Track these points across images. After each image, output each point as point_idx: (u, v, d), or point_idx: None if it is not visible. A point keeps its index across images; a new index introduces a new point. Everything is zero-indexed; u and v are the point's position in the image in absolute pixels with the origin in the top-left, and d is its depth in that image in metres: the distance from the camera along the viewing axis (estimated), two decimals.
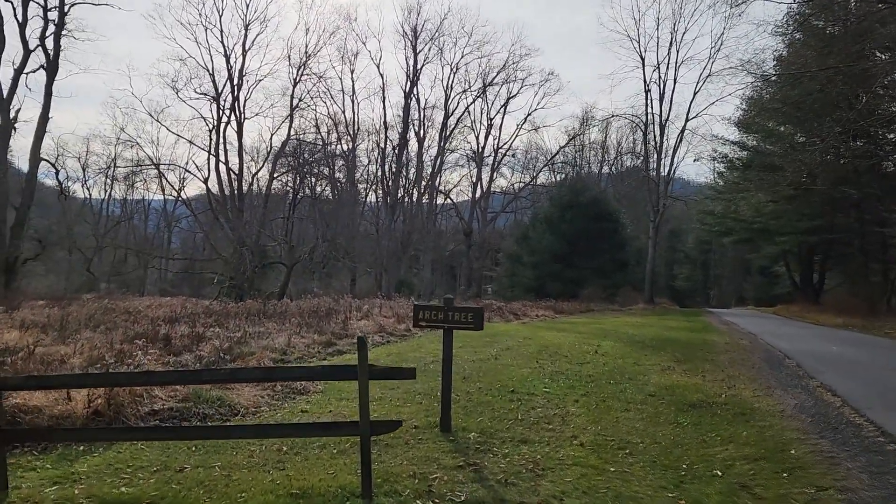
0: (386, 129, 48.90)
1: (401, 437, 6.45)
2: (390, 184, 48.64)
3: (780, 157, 32.67)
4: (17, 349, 13.67)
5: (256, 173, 37.36)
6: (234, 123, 35.81)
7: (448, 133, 56.93)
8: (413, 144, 53.32)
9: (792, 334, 21.28)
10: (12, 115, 31.47)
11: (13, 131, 31.63)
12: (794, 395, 9.48)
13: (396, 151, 48.63)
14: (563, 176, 66.81)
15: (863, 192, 31.39)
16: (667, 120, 51.28)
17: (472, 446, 6.22)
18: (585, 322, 25.01)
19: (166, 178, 44.91)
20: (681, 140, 52.02)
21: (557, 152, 68.96)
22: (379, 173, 51.50)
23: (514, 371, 10.88)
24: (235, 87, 36.12)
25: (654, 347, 14.77)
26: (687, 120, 50.57)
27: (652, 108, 51.36)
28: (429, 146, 56.58)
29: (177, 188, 51.93)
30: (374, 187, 55.63)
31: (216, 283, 30.38)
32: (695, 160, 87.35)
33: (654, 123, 51.86)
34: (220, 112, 35.93)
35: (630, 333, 18.64)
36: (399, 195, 48.87)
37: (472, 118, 76.68)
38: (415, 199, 55.88)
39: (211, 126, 35.79)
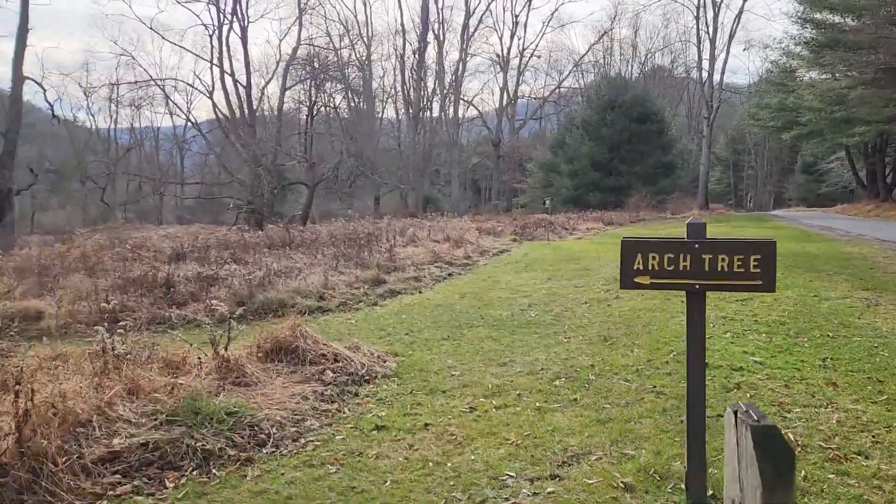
0: (403, 31, 44.29)
1: None
2: (411, 92, 44.37)
3: (868, 33, 28.09)
4: None
5: (266, 84, 33.46)
6: (237, 28, 31.71)
7: (469, 35, 51.92)
8: (431, 52, 48.54)
9: None
10: None
11: None
12: None
13: (417, 57, 44.08)
14: (593, 77, 61.91)
15: None
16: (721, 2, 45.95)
17: None
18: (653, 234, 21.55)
19: (172, 100, 41.17)
20: (738, 24, 46.86)
21: (588, 51, 63.81)
22: (398, 83, 47.18)
23: (674, 322, 7.36)
24: None
25: (804, 268, 11.11)
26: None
27: None
28: (448, 51, 51.69)
29: (184, 109, 48.23)
30: (391, 99, 51.37)
31: (232, 207, 27.16)
32: (744, 49, 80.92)
33: (704, 6, 46.60)
34: (221, 15, 31.70)
35: None
36: (420, 106, 44.65)
37: (495, 18, 71.15)
38: (436, 111, 51.64)
39: (211, 31, 31.66)
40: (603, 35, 62.79)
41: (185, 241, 18.47)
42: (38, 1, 34.07)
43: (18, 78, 27.96)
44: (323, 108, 40.08)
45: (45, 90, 32.76)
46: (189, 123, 53.41)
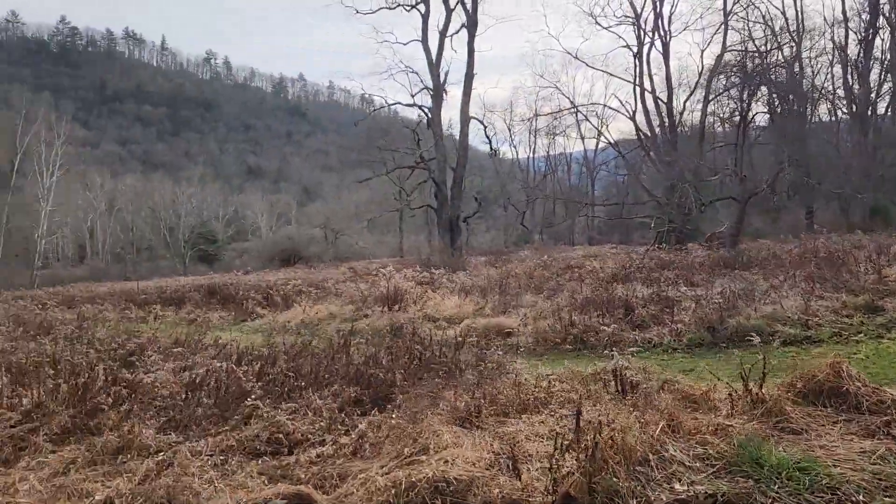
0: (846, 21, 38.72)
1: None
2: (854, 89, 38.50)
3: None
4: (457, 319, 11.90)
5: (687, 98, 32.34)
6: (658, 44, 31.44)
7: None
8: (877, 41, 41.30)
9: None
10: (442, 78, 32.46)
11: (444, 94, 32.68)
12: None
13: (862, 48, 38.13)
14: None
15: None
16: None
17: None
18: None
19: (588, 121, 42.76)
20: None
21: None
22: (835, 80, 41.40)
23: None
24: (657, 2, 31.50)
25: None
26: None
27: None
28: None
29: (596, 133, 49.98)
30: (824, 99, 45.25)
31: (653, 227, 26.71)
32: None
33: None
34: (642, 34, 31.78)
35: None
36: (867, 103, 38.38)
37: None
38: (881, 108, 43.71)
39: (635, 51, 31.92)
40: None
41: (614, 258, 18.54)
42: (481, 48, 38.59)
43: (465, 119, 32.10)
44: (751, 116, 37.44)
45: (485, 126, 37.54)
46: (598, 146, 55.26)
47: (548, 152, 68.36)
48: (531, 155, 67.61)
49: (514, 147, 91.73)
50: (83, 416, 5.66)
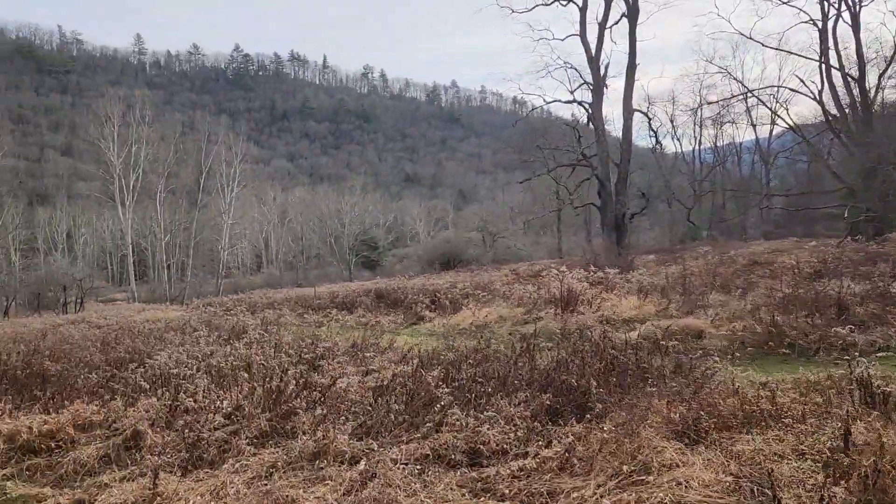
0: None
1: None
2: None
3: None
4: (637, 320, 11.12)
5: (883, 72, 28.59)
6: (845, 16, 28.22)
7: None
8: None
9: None
10: (602, 72, 31.36)
11: (605, 88, 31.52)
12: None
13: None
14: None
15: None
16: None
17: None
18: None
19: (765, 105, 39.48)
20: None
21: None
22: None
23: None
24: None
25: None
26: None
27: None
28: None
29: (770, 119, 46.16)
30: None
31: (847, 217, 24.02)
32: None
33: None
34: (826, 5, 28.71)
35: None
36: None
37: None
38: None
39: (820, 26, 28.90)
40: None
41: (809, 254, 16.68)
42: (643, 36, 36.95)
43: (629, 111, 30.76)
44: None
45: (650, 118, 35.94)
46: (773, 132, 51.08)
47: (714, 143, 64.32)
48: (696, 147, 63.92)
49: (678, 140, 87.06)
50: (279, 420, 5.70)
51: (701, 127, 59.34)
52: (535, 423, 5.27)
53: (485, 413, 5.37)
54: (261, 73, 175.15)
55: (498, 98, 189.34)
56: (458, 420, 5.26)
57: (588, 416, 5.25)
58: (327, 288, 29.61)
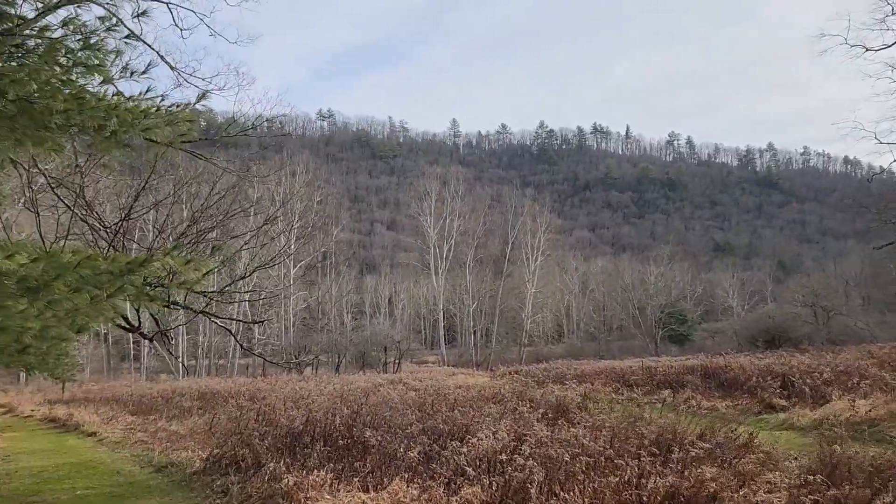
0: None
1: None
2: None
3: None
4: None
5: None
6: None
7: None
8: None
9: None
10: None
11: None
12: None
13: None
14: None
15: None
16: None
17: None
18: None
19: None
20: None
21: None
22: None
23: None
24: None
25: None
26: None
27: None
28: None
29: None
30: None
31: None
32: None
33: None
34: None
35: None
36: None
37: None
38: None
39: None
40: None
41: None
42: None
43: None
44: None
45: None
46: None
47: None
48: None
49: None
50: None
51: None
52: None
53: None
54: (564, 146, 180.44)
55: (824, 159, 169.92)
56: None
57: None
58: (636, 362, 27.41)
